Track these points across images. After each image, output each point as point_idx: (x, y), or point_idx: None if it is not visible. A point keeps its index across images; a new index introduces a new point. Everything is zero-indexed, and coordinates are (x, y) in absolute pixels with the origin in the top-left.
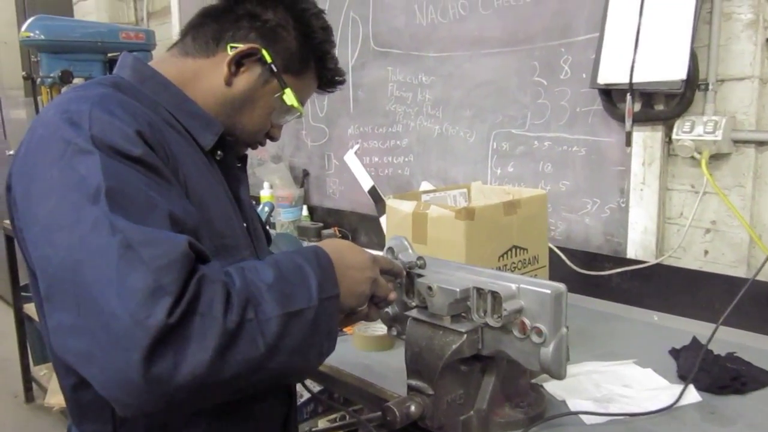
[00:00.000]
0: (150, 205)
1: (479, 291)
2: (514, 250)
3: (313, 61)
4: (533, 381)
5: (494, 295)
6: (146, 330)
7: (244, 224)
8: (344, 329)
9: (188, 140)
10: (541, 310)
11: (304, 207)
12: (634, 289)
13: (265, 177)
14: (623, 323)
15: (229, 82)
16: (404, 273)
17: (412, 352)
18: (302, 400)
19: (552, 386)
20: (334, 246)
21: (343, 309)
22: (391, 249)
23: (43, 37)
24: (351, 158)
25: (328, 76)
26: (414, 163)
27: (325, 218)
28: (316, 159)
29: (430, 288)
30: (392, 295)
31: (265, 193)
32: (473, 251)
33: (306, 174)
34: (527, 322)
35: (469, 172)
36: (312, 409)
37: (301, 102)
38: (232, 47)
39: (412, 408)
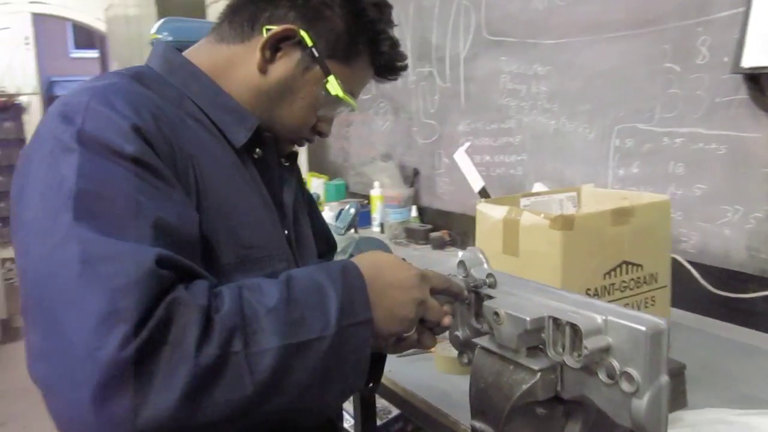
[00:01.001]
0: (132, 212)
1: (556, 321)
2: (624, 266)
3: (364, 44)
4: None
5: (573, 327)
6: (96, 363)
7: (285, 232)
8: (426, 349)
9: (217, 137)
10: (633, 351)
11: (414, 208)
12: None
13: (374, 176)
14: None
15: (263, 70)
16: (465, 293)
17: (477, 388)
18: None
19: None
20: (373, 261)
21: (382, 335)
22: (462, 263)
23: (171, 38)
24: (461, 156)
25: (382, 61)
26: (527, 162)
27: (435, 220)
28: (426, 157)
29: (496, 314)
30: (446, 320)
31: (375, 193)
32: (571, 266)
33: (416, 173)
34: (616, 364)
35: (587, 172)
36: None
37: (353, 92)
38: (267, 29)
39: None
